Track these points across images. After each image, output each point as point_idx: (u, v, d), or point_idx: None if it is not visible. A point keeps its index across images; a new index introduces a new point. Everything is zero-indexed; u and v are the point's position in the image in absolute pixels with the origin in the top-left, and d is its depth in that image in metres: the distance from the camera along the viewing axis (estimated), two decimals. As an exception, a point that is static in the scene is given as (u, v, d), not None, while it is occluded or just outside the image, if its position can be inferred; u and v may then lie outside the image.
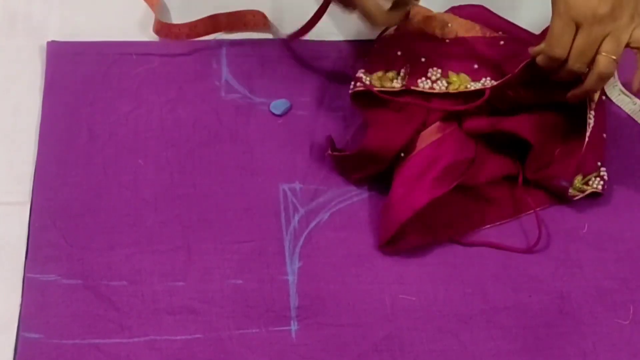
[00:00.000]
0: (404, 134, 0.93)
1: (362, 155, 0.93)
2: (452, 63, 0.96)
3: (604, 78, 0.87)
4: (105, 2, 1.06)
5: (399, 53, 0.97)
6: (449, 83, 0.95)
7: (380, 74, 0.96)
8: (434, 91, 0.95)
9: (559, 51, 0.87)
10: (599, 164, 0.96)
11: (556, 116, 0.96)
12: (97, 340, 0.85)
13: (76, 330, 0.86)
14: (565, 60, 0.87)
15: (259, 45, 1.04)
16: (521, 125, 0.94)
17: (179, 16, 1.05)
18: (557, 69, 0.89)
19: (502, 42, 0.98)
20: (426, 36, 0.98)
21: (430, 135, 0.93)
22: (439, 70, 0.95)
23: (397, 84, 0.95)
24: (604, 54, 0.86)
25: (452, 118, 0.96)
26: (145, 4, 1.05)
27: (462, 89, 0.95)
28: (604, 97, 0.99)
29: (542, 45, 0.89)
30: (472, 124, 0.95)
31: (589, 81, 0.88)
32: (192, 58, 1.02)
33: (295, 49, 1.03)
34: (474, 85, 0.95)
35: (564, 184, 0.94)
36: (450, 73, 0.95)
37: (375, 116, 0.95)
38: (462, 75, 0.95)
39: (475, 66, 0.96)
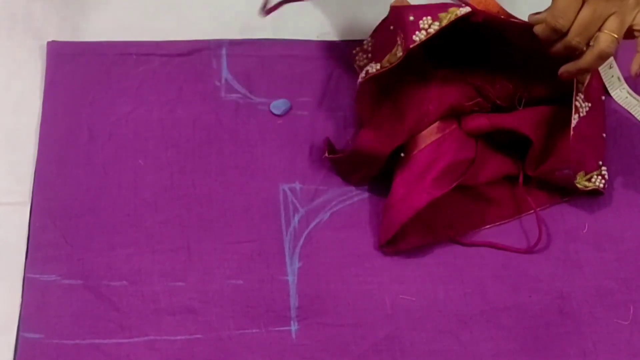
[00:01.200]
0: (397, 135, 0.93)
1: (356, 156, 0.93)
2: (439, 8, 0.92)
3: (604, 56, 0.86)
4: (105, 2, 1.06)
5: (391, 27, 0.94)
6: (440, 20, 0.90)
7: (387, 57, 0.93)
8: (431, 35, 0.89)
9: (562, 22, 0.85)
10: (600, 162, 0.96)
11: (555, 111, 0.96)
12: (97, 340, 0.85)
13: (76, 330, 0.86)
14: (565, 34, 0.86)
15: (259, 45, 1.04)
16: (520, 122, 0.94)
17: (181, 18, 1.05)
18: (554, 42, 0.87)
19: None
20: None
21: (430, 135, 0.93)
22: (429, 17, 0.90)
23: (399, 53, 0.91)
24: (606, 31, 0.85)
25: (451, 117, 0.95)
26: (144, 4, 1.05)
27: (452, 17, 0.90)
28: (603, 98, 0.99)
29: (543, 15, 0.87)
30: (471, 124, 0.95)
31: (587, 57, 0.86)
32: (192, 58, 1.02)
33: (295, 49, 1.03)
34: (464, 10, 0.90)
35: (567, 171, 0.93)
36: (440, 14, 0.90)
37: (369, 116, 0.94)
38: (451, 9, 0.91)
39: (463, 5, 0.91)
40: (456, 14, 0.90)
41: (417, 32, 0.90)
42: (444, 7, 0.91)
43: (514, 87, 0.95)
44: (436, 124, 0.94)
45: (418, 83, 0.95)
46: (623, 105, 1.02)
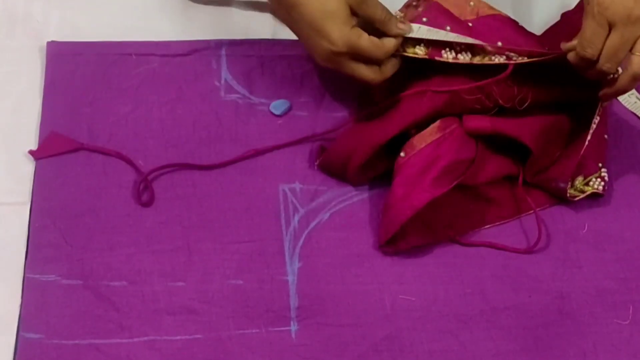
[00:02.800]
0: (391, 121, 0.93)
1: (333, 156, 0.94)
2: (477, 35, 0.93)
3: (638, 78, 0.87)
4: (105, 2, 1.05)
5: (424, 19, 0.93)
6: (473, 55, 0.92)
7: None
8: (458, 62, 0.92)
9: (591, 51, 0.86)
10: (600, 165, 0.96)
11: (558, 121, 0.96)
12: (97, 341, 0.85)
13: (76, 330, 0.86)
14: (596, 60, 0.87)
15: (258, 45, 1.03)
16: (522, 130, 0.93)
17: (181, 18, 1.06)
18: (586, 68, 0.88)
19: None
20: (450, 12, 0.95)
21: (430, 134, 0.93)
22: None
23: (420, 51, 0.92)
24: (638, 54, 0.86)
25: (452, 116, 0.95)
26: (144, 3, 1.05)
27: (486, 60, 0.92)
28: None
29: (573, 42, 0.88)
30: (473, 124, 0.95)
31: (622, 81, 0.88)
32: (192, 58, 1.02)
33: (295, 49, 1.03)
34: (498, 58, 0.92)
35: (562, 185, 0.94)
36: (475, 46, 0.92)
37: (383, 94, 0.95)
38: (488, 49, 0.93)
39: (499, 44, 0.92)
40: (490, 58, 0.92)
41: (447, 49, 0.92)
42: (483, 37, 0.92)
43: (518, 89, 0.95)
44: (436, 124, 0.94)
45: (420, 70, 0.95)
46: (633, 111, 1.02)
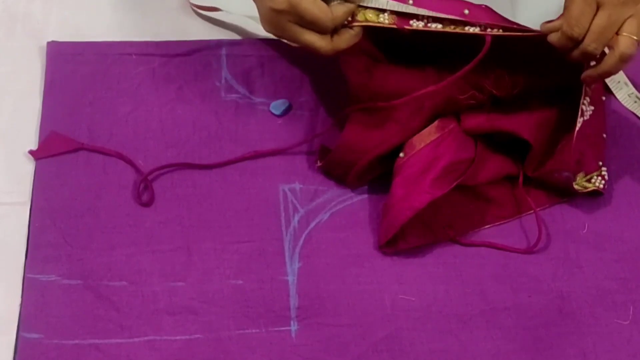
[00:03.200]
0: (389, 131, 0.93)
1: (342, 153, 0.93)
2: (441, 8, 0.89)
3: (625, 59, 0.85)
4: (105, 2, 1.06)
5: None
6: (443, 26, 0.88)
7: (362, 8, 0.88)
8: (429, 29, 0.88)
9: (578, 30, 0.85)
10: (600, 163, 0.96)
11: (555, 112, 0.96)
12: (97, 341, 0.85)
13: (76, 330, 0.86)
14: (581, 40, 0.85)
15: (258, 45, 1.04)
16: (520, 125, 0.93)
17: (181, 18, 1.06)
18: (571, 49, 0.87)
19: (484, 6, 0.91)
20: None
21: (429, 135, 0.93)
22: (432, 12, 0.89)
23: (385, 20, 0.88)
24: (625, 34, 0.84)
25: (450, 116, 0.95)
26: (144, 3, 1.05)
27: (459, 29, 0.88)
28: (604, 98, 0.99)
29: (557, 23, 0.86)
30: (471, 123, 0.95)
31: (609, 61, 0.86)
32: (192, 58, 1.02)
33: (295, 49, 1.03)
34: (472, 28, 0.89)
35: (566, 174, 0.93)
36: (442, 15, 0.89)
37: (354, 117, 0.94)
38: (458, 20, 0.89)
39: (466, 11, 0.89)
40: (463, 28, 0.88)
41: (414, 20, 0.88)
42: (447, 7, 0.88)
43: (509, 75, 0.94)
44: (435, 124, 0.94)
45: (411, 76, 0.95)
46: (633, 110, 1.02)
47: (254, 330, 0.87)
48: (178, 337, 0.86)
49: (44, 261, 0.89)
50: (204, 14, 1.05)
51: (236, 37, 1.04)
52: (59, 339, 0.85)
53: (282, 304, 0.89)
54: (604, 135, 0.98)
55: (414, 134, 0.94)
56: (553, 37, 0.87)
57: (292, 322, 0.88)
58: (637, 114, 1.01)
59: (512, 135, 0.93)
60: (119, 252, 0.90)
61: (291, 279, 0.90)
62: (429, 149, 0.93)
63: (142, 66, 1.01)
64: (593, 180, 0.95)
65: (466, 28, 0.88)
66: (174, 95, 1.00)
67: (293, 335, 0.88)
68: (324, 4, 0.84)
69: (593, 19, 0.84)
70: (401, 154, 0.93)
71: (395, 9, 0.87)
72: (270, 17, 0.85)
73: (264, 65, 1.02)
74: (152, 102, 0.99)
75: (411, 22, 0.88)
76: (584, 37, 0.85)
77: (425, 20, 0.88)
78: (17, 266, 0.88)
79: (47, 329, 0.85)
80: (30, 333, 0.85)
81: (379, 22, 0.87)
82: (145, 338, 0.86)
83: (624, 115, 1.02)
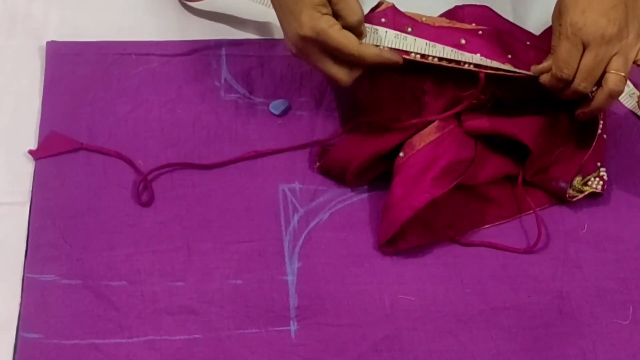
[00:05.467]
0: (393, 130, 0.93)
1: (332, 161, 0.94)
2: (438, 36, 0.92)
3: (614, 96, 0.88)
4: (105, 2, 1.06)
5: (382, 20, 0.92)
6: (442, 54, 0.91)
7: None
8: (426, 61, 0.91)
9: (567, 71, 0.87)
10: (599, 164, 0.96)
11: (556, 118, 0.96)
12: (96, 341, 0.85)
13: (76, 330, 0.86)
14: (571, 81, 0.88)
15: (258, 45, 1.04)
16: (521, 130, 0.93)
17: (181, 18, 1.06)
18: (562, 89, 0.89)
19: (480, 32, 0.95)
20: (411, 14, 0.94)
21: (428, 134, 0.93)
22: (426, 42, 0.91)
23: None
24: (613, 71, 0.87)
25: (451, 116, 0.95)
26: (144, 3, 1.05)
27: (454, 64, 0.91)
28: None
29: (546, 64, 0.89)
30: (472, 124, 0.95)
31: (599, 99, 0.88)
32: (191, 58, 1.02)
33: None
34: (466, 58, 0.91)
35: (562, 185, 0.94)
36: (439, 45, 0.92)
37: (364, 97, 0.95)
38: (451, 50, 0.92)
39: (463, 41, 0.92)
40: (457, 62, 0.91)
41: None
42: (445, 37, 0.92)
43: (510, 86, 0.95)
44: (435, 124, 0.94)
45: (411, 76, 0.95)
46: (633, 110, 1.02)
47: (253, 330, 0.87)
48: (178, 337, 0.86)
49: (44, 261, 0.89)
50: (200, 7, 1.05)
51: (236, 37, 1.04)
52: (58, 339, 0.85)
53: (281, 304, 0.89)
54: (605, 136, 0.98)
55: (414, 134, 0.94)
56: (544, 79, 0.90)
57: (291, 322, 0.88)
58: (638, 113, 1.01)
59: (513, 138, 0.93)
60: (119, 252, 0.90)
61: (291, 278, 0.90)
62: (429, 149, 0.93)
63: (142, 66, 1.01)
64: (590, 183, 0.95)
65: (461, 63, 0.91)
66: (173, 95, 1.00)
67: (292, 335, 0.88)
68: (352, 36, 0.86)
69: (581, 59, 0.87)
70: (401, 154, 0.93)
71: (392, 45, 0.90)
72: (296, 41, 0.87)
73: (263, 65, 1.02)
74: (152, 102, 0.99)
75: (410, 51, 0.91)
76: (574, 77, 0.87)
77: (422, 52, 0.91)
78: (16, 266, 0.88)
79: (46, 329, 0.85)
80: (30, 333, 0.85)
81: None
82: (145, 338, 0.86)
83: (625, 116, 1.02)
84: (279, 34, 1.04)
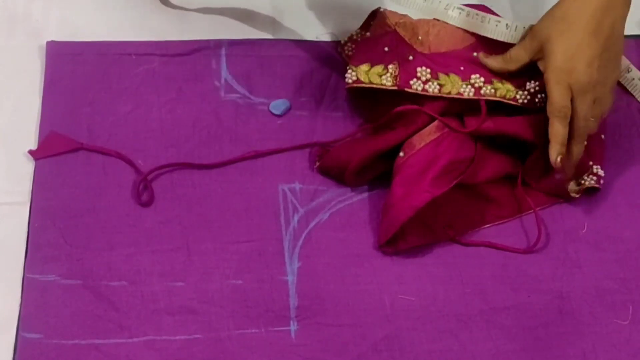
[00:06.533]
0: (394, 129, 0.94)
1: (332, 160, 0.94)
2: (438, 64, 0.95)
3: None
4: (105, 2, 1.06)
5: (385, 49, 0.95)
6: (440, 85, 0.93)
7: (365, 67, 0.94)
8: (427, 94, 0.93)
9: (565, 112, 0.90)
10: (591, 163, 0.96)
11: None
12: (96, 341, 0.85)
13: (76, 330, 0.86)
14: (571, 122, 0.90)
15: (258, 45, 1.04)
16: (525, 128, 0.93)
17: (181, 18, 1.06)
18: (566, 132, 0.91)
19: (475, 54, 0.97)
20: (410, 40, 0.97)
21: (429, 134, 0.93)
22: (428, 70, 0.94)
23: (387, 82, 0.93)
24: (592, 119, 0.91)
25: (451, 116, 0.95)
26: (144, 3, 1.05)
27: (454, 93, 0.93)
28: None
29: (497, 58, 0.94)
30: (475, 125, 0.94)
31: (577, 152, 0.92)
32: (191, 58, 1.02)
33: (295, 49, 1.03)
34: (466, 90, 0.93)
35: (558, 176, 0.94)
36: (440, 74, 0.94)
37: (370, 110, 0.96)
38: (452, 76, 0.94)
39: (462, 67, 0.95)
40: (459, 91, 0.94)
41: (414, 79, 0.94)
42: (444, 65, 0.94)
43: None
44: (435, 123, 0.94)
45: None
46: (631, 91, 1.02)
47: (253, 330, 0.87)
48: (177, 337, 0.86)
49: (44, 261, 0.89)
50: (200, 7, 1.05)
51: (236, 37, 1.04)
52: (58, 338, 0.85)
53: (281, 304, 0.89)
54: (603, 137, 0.98)
55: (414, 134, 0.94)
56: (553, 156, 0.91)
57: (291, 322, 0.88)
58: (635, 95, 1.02)
59: (516, 137, 0.93)
60: (119, 252, 0.90)
61: (291, 278, 0.90)
62: (429, 148, 0.93)
63: (142, 66, 1.01)
64: (583, 181, 0.95)
65: (461, 90, 0.93)
66: (173, 95, 1.00)
67: (292, 335, 0.88)
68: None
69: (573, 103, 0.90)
70: (401, 154, 0.93)
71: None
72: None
73: (263, 65, 1.02)
74: (152, 102, 0.99)
75: (410, 82, 0.93)
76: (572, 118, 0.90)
77: (422, 82, 0.94)
78: (16, 266, 0.88)
79: (46, 329, 0.85)
80: (30, 333, 0.85)
81: (381, 84, 0.93)
82: (145, 338, 0.86)
83: (624, 116, 1.02)
84: (279, 34, 1.05)
